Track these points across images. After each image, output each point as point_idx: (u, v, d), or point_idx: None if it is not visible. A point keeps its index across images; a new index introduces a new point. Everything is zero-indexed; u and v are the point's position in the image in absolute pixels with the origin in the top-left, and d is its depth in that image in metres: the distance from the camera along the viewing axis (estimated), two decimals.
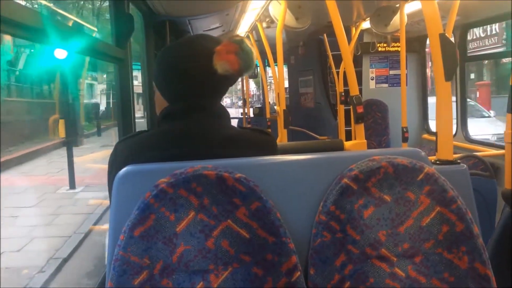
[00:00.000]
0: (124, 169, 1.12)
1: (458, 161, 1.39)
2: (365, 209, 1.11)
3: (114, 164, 1.22)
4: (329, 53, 4.97)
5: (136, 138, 1.24)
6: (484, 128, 8.79)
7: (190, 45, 1.26)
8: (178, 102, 1.25)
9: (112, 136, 12.57)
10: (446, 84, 1.47)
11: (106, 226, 4.88)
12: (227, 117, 1.28)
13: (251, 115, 8.03)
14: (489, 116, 10.94)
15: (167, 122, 1.24)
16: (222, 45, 1.22)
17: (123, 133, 2.26)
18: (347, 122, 4.56)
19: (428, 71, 5.48)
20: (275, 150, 1.30)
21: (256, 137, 1.28)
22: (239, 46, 1.22)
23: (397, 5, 3.63)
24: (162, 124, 1.25)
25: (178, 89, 1.26)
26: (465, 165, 1.29)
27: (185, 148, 1.19)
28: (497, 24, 13.60)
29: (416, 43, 4.74)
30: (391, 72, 5.00)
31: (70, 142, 7.66)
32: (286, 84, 7.33)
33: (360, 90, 4.76)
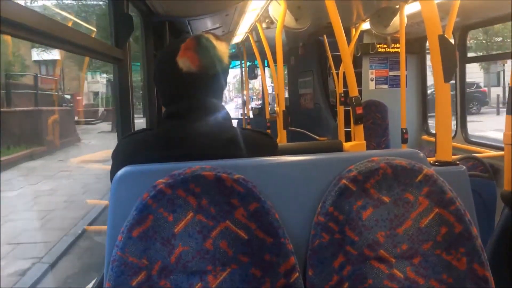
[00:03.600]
0: (122, 170, 1.12)
1: (457, 162, 1.39)
2: (363, 210, 1.11)
3: (117, 161, 1.23)
4: (329, 54, 4.97)
5: (138, 136, 1.25)
6: None
7: (170, 46, 1.28)
8: (172, 103, 1.26)
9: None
10: (445, 85, 1.47)
11: None
12: (228, 118, 1.28)
13: (251, 115, 8.03)
14: None
15: (170, 121, 1.24)
16: (184, 42, 1.22)
17: (122, 134, 2.25)
18: (347, 123, 4.55)
19: None
20: (275, 152, 1.30)
21: (256, 138, 1.28)
22: (197, 43, 1.21)
23: (397, 6, 3.63)
24: (165, 123, 1.25)
25: (169, 90, 1.27)
26: (464, 167, 1.29)
27: (186, 149, 1.19)
28: None
29: (416, 44, 4.74)
30: (391, 73, 5.00)
31: None
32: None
33: (360, 91, 4.75)
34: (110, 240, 1.09)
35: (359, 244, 1.10)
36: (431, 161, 1.40)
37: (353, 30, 4.43)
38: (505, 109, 1.78)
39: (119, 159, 1.23)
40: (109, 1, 2.21)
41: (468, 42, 3.94)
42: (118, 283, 1.02)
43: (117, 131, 2.28)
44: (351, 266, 1.10)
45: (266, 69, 7.63)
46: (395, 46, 4.69)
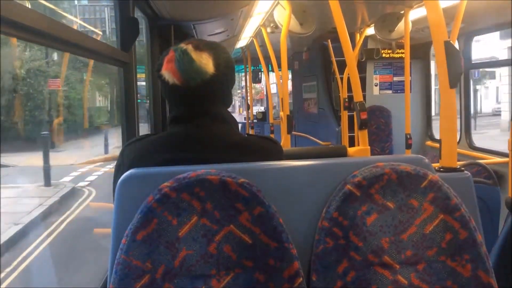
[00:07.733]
0: (127, 173, 1.12)
1: (462, 168, 1.38)
2: (368, 215, 1.11)
3: (121, 167, 1.23)
4: (333, 59, 4.97)
5: (142, 142, 1.25)
6: None
7: (162, 56, 1.26)
8: (175, 108, 1.26)
9: None
10: (450, 91, 1.47)
11: None
12: (234, 124, 1.28)
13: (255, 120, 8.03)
14: None
15: (174, 125, 1.24)
16: (167, 55, 1.20)
17: (127, 137, 2.26)
18: (350, 128, 4.55)
19: None
20: (281, 158, 1.28)
21: (262, 144, 1.27)
22: (175, 56, 1.18)
23: (402, 12, 3.63)
24: (169, 127, 1.25)
25: (169, 97, 1.27)
26: (469, 173, 1.29)
27: (190, 152, 1.19)
28: None
29: (420, 49, 4.74)
30: (395, 78, 5.00)
31: None
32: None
33: (364, 96, 4.76)
34: (114, 243, 1.09)
35: (363, 249, 1.10)
36: (436, 167, 1.39)
37: (358, 35, 4.44)
38: None
39: (124, 163, 1.23)
40: (115, 4, 2.23)
41: None
42: (121, 286, 1.02)
43: (122, 134, 2.29)
44: (355, 272, 1.09)
45: (270, 73, 7.63)
46: (400, 51, 4.70)
